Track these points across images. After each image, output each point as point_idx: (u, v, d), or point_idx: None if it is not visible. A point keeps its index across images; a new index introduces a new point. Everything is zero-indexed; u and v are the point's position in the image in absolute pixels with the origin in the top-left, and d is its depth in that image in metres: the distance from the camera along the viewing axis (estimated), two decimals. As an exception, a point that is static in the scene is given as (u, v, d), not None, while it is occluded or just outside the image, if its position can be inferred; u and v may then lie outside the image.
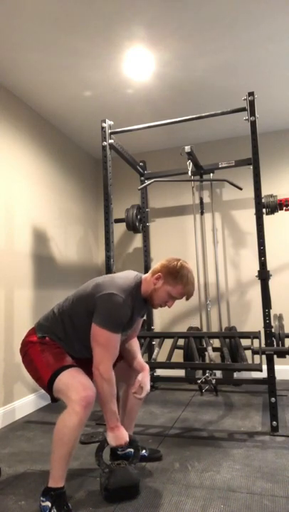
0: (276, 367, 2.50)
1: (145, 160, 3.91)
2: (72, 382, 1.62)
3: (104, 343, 1.68)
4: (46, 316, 1.89)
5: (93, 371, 1.69)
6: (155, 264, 1.89)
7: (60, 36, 2.49)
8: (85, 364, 1.75)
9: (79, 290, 1.87)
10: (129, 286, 1.78)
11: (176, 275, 1.80)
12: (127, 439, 1.74)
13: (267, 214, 3.05)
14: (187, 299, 1.86)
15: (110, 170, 2.91)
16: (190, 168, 3.33)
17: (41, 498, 1.59)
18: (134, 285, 1.81)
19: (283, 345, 2.62)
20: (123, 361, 2.01)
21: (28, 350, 1.79)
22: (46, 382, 1.67)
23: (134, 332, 2.02)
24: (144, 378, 1.91)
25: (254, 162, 2.62)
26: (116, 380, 1.74)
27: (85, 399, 1.57)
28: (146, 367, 1.98)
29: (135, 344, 2.04)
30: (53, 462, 1.60)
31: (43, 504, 1.57)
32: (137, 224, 3.80)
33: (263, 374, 2.55)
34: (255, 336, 2.79)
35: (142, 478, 1.89)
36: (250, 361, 2.98)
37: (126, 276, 1.85)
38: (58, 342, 1.79)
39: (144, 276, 1.89)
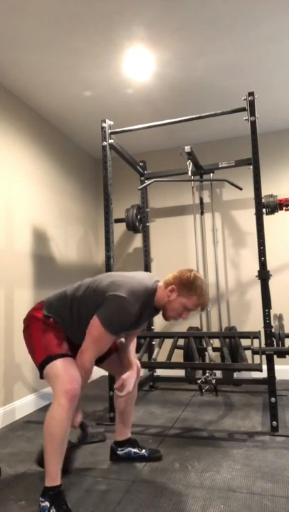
0: (276, 367, 2.50)
1: (145, 160, 3.91)
2: (62, 373, 1.64)
3: (97, 337, 1.70)
4: (57, 296, 1.86)
5: (77, 355, 1.72)
6: (168, 276, 1.85)
7: (60, 36, 2.49)
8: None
9: (94, 282, 1.83)
10: (142, 293, 1.76)
11: (191, 287, 1.77)
12: (77, 424, 1.79)
13: (267, 214, 3.05)
14: (202, 309, 1.85)
15: (110, 170, 2.91)
16: (190, 168, 3.33)
17: (40, 499, 1.60)
18: (148, 292, 1.79)
19: (283, 345, 2.62)
20: (116, 355, 2.02)
21: (31, 324, 1.80)
22: (39, 363, 1.72)
23: (136, 332, 2.03)
24: (130, 378, 1.90)
25: (254, 162, 2.62)
26: (110, 373, 1.75)
27: (70, 391, 1.60)
28: (135, 366, 1.98)
29: (132, 343, 2.04)
30: (46, 459, 1.61)
31: (42, 504, 1.58)
32: (137, 224, 3.80)
33: (263, 374, 2.55)
34: (255, 336, 2.79)
35: (142, 478, 1.89)
36: (250, 361, 2.98)
37: (142, 279, 1.82)
38: (61, 325, 1.80)
39: (159, 284, 1.85)
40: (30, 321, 1.83)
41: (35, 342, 1.76)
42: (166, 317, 1.85)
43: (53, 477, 1.59)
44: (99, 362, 2.00)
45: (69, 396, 1.60)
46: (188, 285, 1.77)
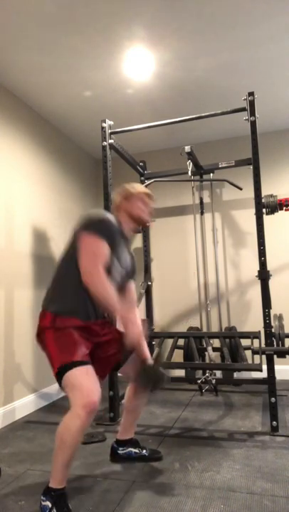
0: (276, 367, 2.50)
1: (145, 160, 3.91)
2: (80, 384, 1.59)
3: (91, 247, 1.72)
4: (49, 288, 1.85)
5: (83, 279, 1.71)
6: (114, 208, 2.04)
7: (60, 36, 2.49)
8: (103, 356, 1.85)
9: (64, 250, 1.90)
10: (112, 219, 1.87)
11: (129, 190, 2.01)
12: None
13: (267, 214, 3.05)
14: (150, 197, 2.03)
15: (110, 170, 2.91)
16: (190, 168, 3.33)
17: (42, 498, 1.59)
18: (114, 220, 1.90)
19: (283, 345, 2.62)
20: (133, 357, 1.95)
21: (43, 337, 1.76)
22: (55, 372, 1.67)
23: (130, 292, 2.05)
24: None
25: (254, 162, 2.62)
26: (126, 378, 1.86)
27: (89, 405, 1.56)
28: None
29: (134, 311, 2.01)
30: (54, 464, 1.60)
31: (43, 504, 1.57)
32: (137, 224, 3.79)
33: (263, 374, 2.55)
34: (255, 336, 2.79)
35: (142, 478, 1.89)
36: (250, 361, 2.98)
37: (98, 210, 1.94)
38: (69, 314, 1.75)
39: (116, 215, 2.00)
40: (42, 334, 1.77)
41: (51, 352, 1.71)
42: (142, 220, 2.00)
43: (58, 480, 1.59)
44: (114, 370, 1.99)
45: (88, 409, 1.55)
46: (127, 191, 2.01)
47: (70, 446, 1.57)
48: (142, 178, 3.78)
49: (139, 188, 2.03)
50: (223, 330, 3.74)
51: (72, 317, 1.75)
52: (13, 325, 2.90)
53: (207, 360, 3.34)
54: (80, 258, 1.73)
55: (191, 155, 3.26)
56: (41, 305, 1.85)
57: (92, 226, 1.77)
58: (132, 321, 1.92)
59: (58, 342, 1.70)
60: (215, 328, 3.86)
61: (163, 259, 4.16)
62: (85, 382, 1.60)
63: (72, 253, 1.80)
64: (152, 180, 3.45)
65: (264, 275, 2.52)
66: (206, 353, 2.94)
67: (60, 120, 3.60)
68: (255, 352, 2.48)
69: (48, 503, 1.56)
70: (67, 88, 3.08)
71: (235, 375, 3.41)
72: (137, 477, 1.90)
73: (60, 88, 3.07)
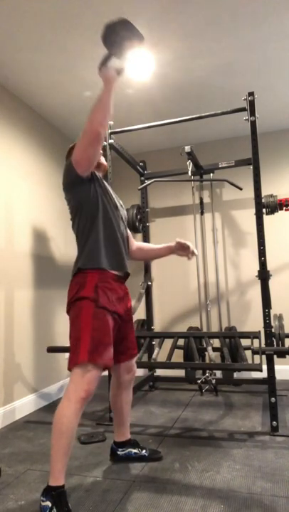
0: (276, 367, 2.50)
1: (145, 160, 3.90)
2: (88, 377, 1.66)
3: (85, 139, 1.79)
4: (80, 252, 1.91)
5: (91, 143, 1.80)
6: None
7: (60, 36, 2.49)
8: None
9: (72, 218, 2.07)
10: None
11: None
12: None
13: (267, 214, 3.05)
14: None
15: (110, 170, 2.91)
16: (190, 168, 3.33)
17: (41, 498, 1.59)
18: None
19: (283, 345, 2.62)
20: (126, 364, 2.00)
21: (82, 306, 1.74)
22: (78, 360, 1.67)
23: (131, 238, 2.22)
24: (181, 240, 2.19)
25: (254, 162, 2.62)
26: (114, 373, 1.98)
27: (87, 391, 1.65)
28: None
29: (145, 244, 2.37)
30: (52, 455, 1.61)
31: (43, 504, 1.57)
32: (137, 224, 3.79)
33: (263, 374, 2.55)
34: (255, 336, 2.79)
35: (142, 478, 1.89)
36: (250, 361, 2.98)
37: None
38: (102, 268, 1.81)
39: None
40: (80, 302, 1.75)
41: (83, 339, 1.69)
42: (101, 165, 2.13)
43: (57, 476, 1.59)
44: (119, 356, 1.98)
45: (84, 395, 1.64)
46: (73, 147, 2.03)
47: (66, 432, 1.60)
48: (142, 178, 3.78)
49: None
50: (223, 330, 3.74)
51: (107, 271, 1.83)
52: (13, 325, 2.90)
53: (207, 360, 3.34)
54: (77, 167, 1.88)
55: (191, 155, 3.26)
56: (72, 274, 1.87)
57: (68, 164, 1.92)
58: (148, 247, 2.39)
59: (94, 334, 1.70)
60: (215, 328, 3.86)
61: (163, 259, 4.14)
62: (92, 377, 1.68)
63: (73, 204, 2.07)
64: (152, 181, 3.45)
65: (264, 275, 2.52)
66: (206, 353, 2.94)
67: (60, 120, 3.60)
68: (255, 352, 2.48)
69: (48, 503, 1.56)
70: (67, 88, 3.08)
71: (235, 375, 3.42)
72: (137, 477, 1.90)
73: (60, 88, 3.08)
